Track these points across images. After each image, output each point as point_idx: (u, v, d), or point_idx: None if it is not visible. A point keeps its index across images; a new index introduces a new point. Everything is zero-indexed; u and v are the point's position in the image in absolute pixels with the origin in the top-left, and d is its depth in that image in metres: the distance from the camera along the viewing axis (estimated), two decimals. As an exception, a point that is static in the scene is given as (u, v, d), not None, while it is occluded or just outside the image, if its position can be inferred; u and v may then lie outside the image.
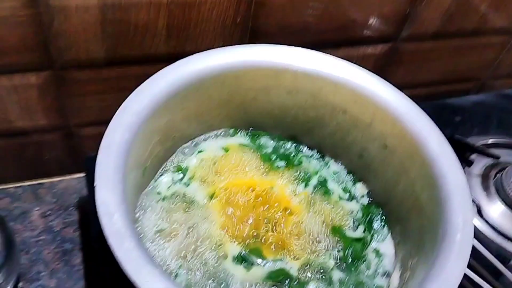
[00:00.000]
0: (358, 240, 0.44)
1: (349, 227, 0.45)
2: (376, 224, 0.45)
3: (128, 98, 0.36)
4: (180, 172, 0.45)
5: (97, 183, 0.31)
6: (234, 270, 0.40)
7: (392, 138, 0.43)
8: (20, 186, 0.58)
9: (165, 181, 0.44)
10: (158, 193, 0.43)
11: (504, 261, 0.50)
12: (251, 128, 0.49)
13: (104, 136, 0.33)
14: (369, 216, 0.46)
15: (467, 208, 0.36)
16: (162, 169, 0.45)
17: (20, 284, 0.51)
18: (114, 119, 0.34)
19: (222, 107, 0.46)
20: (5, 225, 0.48)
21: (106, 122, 0.57)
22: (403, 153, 0.42)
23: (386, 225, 0.45)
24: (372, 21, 0.57)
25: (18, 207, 0.57)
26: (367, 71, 0.44)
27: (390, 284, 0.41)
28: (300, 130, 0.49)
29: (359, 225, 0.45)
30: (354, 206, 0.46)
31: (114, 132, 0.34)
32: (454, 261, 0.33)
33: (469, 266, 0.40)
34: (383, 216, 0.46)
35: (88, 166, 0.53)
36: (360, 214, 0.46)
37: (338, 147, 0.48)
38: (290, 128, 0.49)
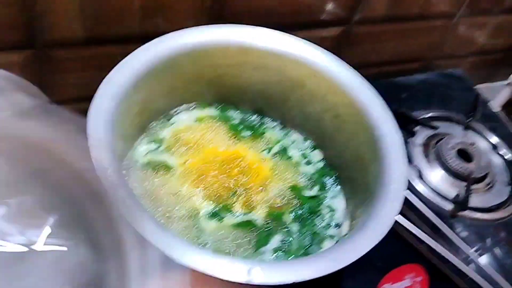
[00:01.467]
0: (313, 197, 0.51)
1: (306, 187, 0.51)
2: (329, 184, 0.52)
3: (112, 70, 0.40)
4: (155, 142, 0.50)
5: (91, 142, 0.35)
6: (206, 224, 0.45)
7: (343, 108, 0.50)
8: None
9: (141, 150, 0.49)
10: (136, 161, 0.48)
11: (442, 217, 0.58)
12: (220, 102, 0.55)
13: (92, 103, 0.38)
14: (323, 177, 0.53)
15: (401, 162, 0.43)
16: (139, 140, 0.49)
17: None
18: (100, 88, 0.39)
19: (194, 82, 0.51)
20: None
21: (84, 99, 0.61)
22: (352, 121, 0.49)
23: (338, 184, 0.52)
24: (327, 6, 0.64)
25: None
26: (322, 49, 0.51)
27: (341, 232, 0.48)
28: (266, 104, 0.55)
29: (314, 185, 0.52)
30: (311, 169, 0.53)
31: (102, 99, 0.38)
32: (389, 204, 0.40)
33: (412, 222, 0.47)
34: (336, 177, 0.53)
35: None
36: (316, 176, 0.52)
37: (298, 119, 0.55)
38: (256, 102, 0.55)
